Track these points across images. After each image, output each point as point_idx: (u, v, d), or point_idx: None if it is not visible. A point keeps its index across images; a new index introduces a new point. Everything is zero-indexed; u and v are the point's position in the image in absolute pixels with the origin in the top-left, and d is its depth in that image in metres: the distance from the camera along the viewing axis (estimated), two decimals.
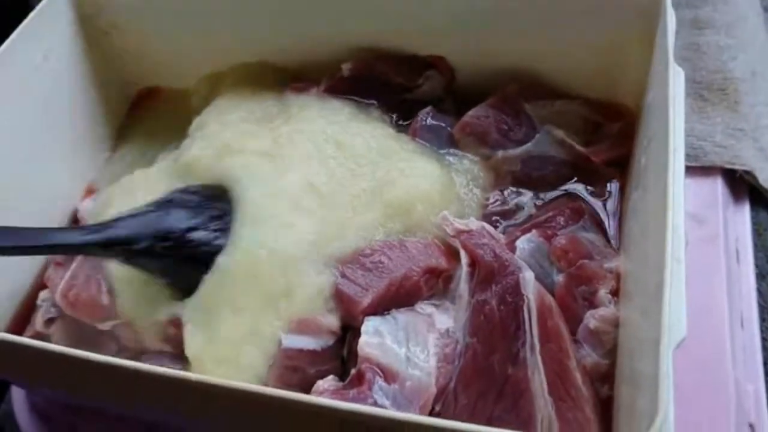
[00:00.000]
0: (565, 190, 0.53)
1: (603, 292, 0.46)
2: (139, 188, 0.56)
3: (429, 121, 0.56)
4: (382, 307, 0.47)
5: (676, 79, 0.43)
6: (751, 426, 0.48)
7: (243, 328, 0.47)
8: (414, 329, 0.46)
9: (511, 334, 0.43)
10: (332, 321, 0.47)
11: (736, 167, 0.60)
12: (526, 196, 0.53)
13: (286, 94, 0.61)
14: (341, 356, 0.48)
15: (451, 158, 0.55)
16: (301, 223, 0.50)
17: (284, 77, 0.63)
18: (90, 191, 0.63)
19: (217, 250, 0.49)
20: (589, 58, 0.54)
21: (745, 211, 0.60)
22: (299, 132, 0.56)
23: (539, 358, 0.42)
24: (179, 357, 0.48)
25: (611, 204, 0.52)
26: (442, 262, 0.49)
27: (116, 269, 0.51)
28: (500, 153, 0.54)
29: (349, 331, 0.48)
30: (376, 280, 0.47)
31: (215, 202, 0.51)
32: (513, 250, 0.48)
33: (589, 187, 0.53)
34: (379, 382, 0.43)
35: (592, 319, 0.45)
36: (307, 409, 0.35)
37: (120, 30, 0.64)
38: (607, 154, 0.53)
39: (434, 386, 0.44)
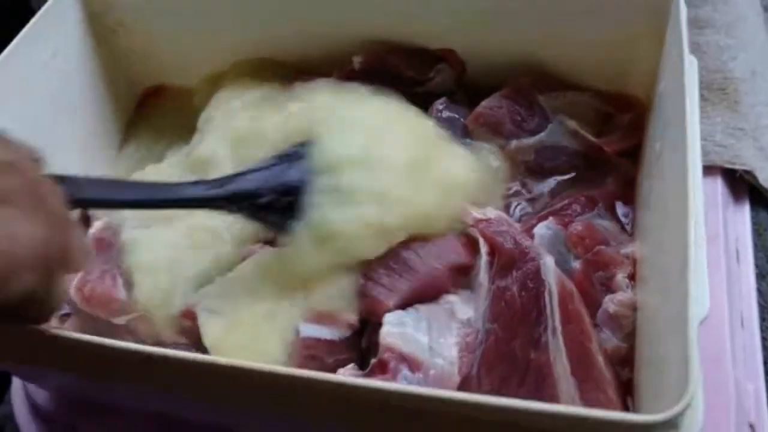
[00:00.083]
0: (579, 178, 0.54)
1: (620, 277, 0.46)
2: None
3: (444, 112, 0.57)
4: (406, 305, 0.47)
5: (691, 68, 0.44)
6: (751, 426, 0.48)
7: (261, 316, 0.47)
8: (436, 319, 0.46)
9: (533, 320, 0.44)
10: (351, 315, 0.48)
11: (736, 167, 0.59)
12: (541, 185, 0.54)
13: (293, 86, 0.60)
14: (359, 347, 0.48)
15: (468, 148, 0.55)
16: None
17: (288, 72, 0.63)
18: None
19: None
20: (599, 50, 0.55)
21: (745, 210, 0.60)
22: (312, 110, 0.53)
23: (561, 341, 0.42)
24: (196, 349, 0.48)
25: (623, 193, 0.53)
26: (463, 257, 0.49)
27: (135, 260, 0.51)
28: (514, 143, 0.55)
29: (368, 324, 0.48)
30: (401, 280, 0.47)
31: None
32: (531, 237, 0.48)
33: (601, 176, 0.53)
34: (404, 370, 0.43)
35: (611, 304, 0.45)
36: (339, 391, 0.35)
37: (127, 28, 0.64)
38: (618, 145, 0.53)
39: (458, 375, 0.44)
